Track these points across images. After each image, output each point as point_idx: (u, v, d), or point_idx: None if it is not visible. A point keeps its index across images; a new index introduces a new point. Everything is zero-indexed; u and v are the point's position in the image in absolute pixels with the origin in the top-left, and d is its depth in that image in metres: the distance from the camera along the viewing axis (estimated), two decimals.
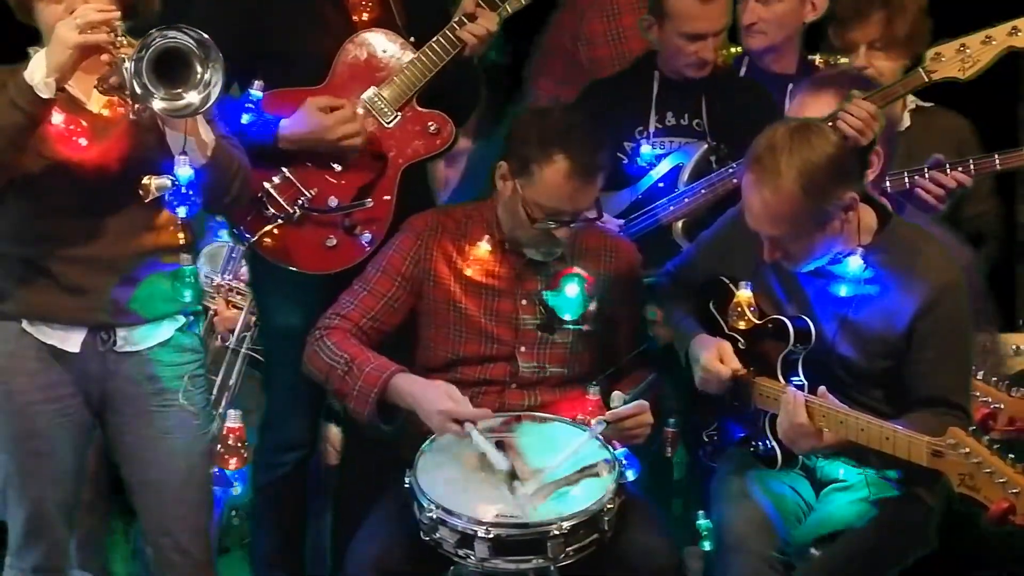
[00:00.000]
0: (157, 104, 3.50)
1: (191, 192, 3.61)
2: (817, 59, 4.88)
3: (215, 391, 4.55)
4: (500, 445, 3.92)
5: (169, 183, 3.62)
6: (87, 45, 3.50)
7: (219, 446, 3.81)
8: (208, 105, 3.55)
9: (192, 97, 3.53)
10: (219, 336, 4.67)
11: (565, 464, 3.88)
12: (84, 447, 4.00)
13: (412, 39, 4.35)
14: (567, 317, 4.12)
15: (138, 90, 3.47)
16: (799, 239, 3.75)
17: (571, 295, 4.10)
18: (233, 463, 3.82)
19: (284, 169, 4.29)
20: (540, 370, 4.18)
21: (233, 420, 3.81)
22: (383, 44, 4.35)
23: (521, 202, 4.04)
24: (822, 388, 3.73)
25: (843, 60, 4.85)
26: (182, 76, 3.52)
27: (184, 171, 3.60)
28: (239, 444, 3.81)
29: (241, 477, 4.54)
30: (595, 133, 4.00)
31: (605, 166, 4.00)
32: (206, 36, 3.54)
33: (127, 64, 3.47)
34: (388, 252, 4.21)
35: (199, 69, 3.52)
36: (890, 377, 3.86)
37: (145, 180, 3.64)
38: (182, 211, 3.64)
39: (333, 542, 4.76)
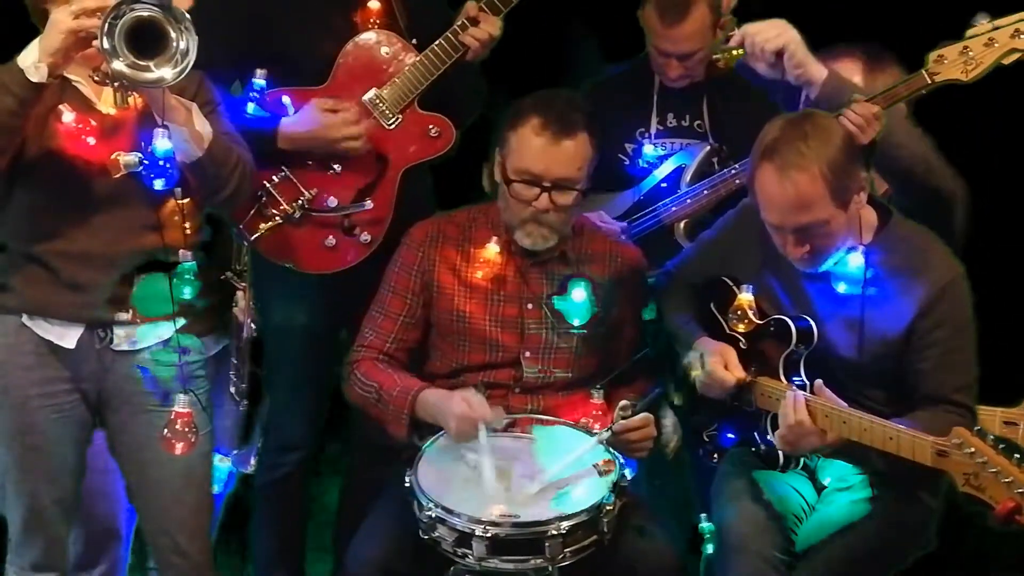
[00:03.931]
0: (117, 66, 3.46)
1: (168, 164, 3.60)
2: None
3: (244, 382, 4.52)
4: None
5: (137, 160, 3.64)
6: (80, 30, 3.49)
7: (166, 430, 3.78)
8: (180, 77, 3.51)
9: (164, 71, 3.49)
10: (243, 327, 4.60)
11: (566, 469, 3.88)
12: (82, 444, 3.98)
13: (414, 41, 4.35)
14: (575, 323, 4.12)
15: (105, 45, 3.44)
16: (827, 224, 3.72)
17: (578, 300, 4.10)
18: (179, 448, 3.79)
19: (284, 168, 4.29)
20: (545, 375, 4.18)
21: (183, 405, 3.78)
22: (385, 46, 4.34)
23: (503, 176, 4.07)
24: (819, 381, 3.73)
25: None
26: (158, 50, 3.49)
27: (161, 144, 3.59)
28: (186, 429, 3.78)
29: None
30: (571, 96, 4.06)
31: (580, 126, 3.99)
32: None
33: (102, 37, 3.45)
34: (394, 270, 4.21)
35: (173, 36, 3.49)
36: (891, 377, 3.84)
37: (113, 156, 3.67)
38: (158, 183, 3.62)
39: (334, 541, 4.76)
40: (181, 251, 3.79)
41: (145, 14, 3.46)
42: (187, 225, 3.82)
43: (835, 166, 3.68)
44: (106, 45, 3.44)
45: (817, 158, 3.67)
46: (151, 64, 3.49)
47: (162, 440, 3.82)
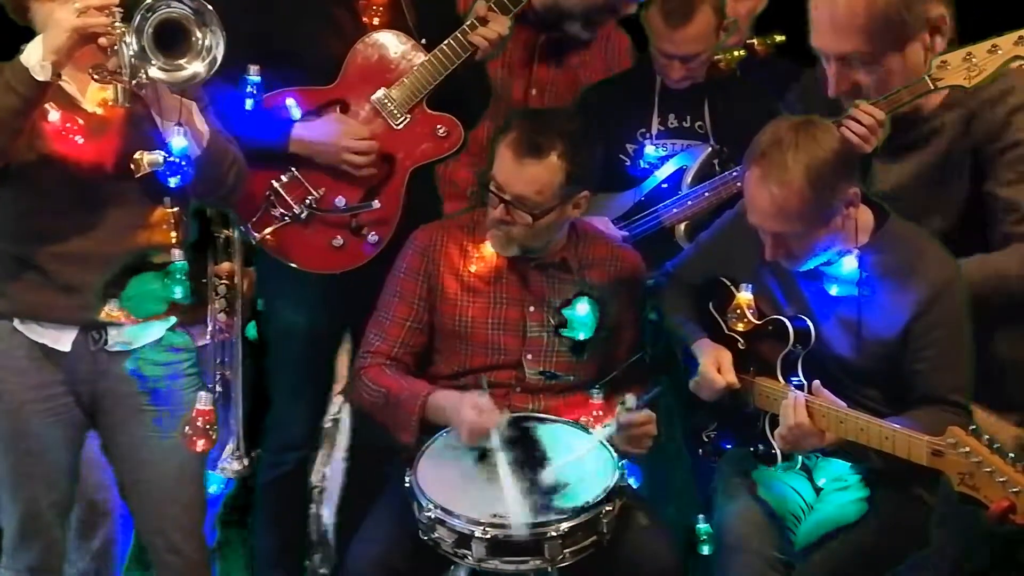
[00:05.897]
0: (154, 72, 3.49)
1: (184, 162, 3.61)
2: (755, 42, 4.95)
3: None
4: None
5: (161, 159, 3.62)
6: (85, 28, 3.48)
7: (187, 427, 3.79)
8: (213, 70, 3.54)
9: (196, 67, 3.54)
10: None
11: (568, 469, 3.89)
12: (77, 447, 3.99)
13: (423, 41, 4.35)
14: (581, 336, 4.13)
15: (135, 49, 3.46)
16: (803, 236, 3.73)
17: (582, 314, 4.11)
18: (200, 445, 3.80)
19: (293, 168, 4.30)
20: (546, 377, 4.18)
21: (204, 403, 3.79)
22: (394, 45, 4.35)
23: (486, 178, 4.10)
24: (816, 382, 3.73)
25: (779, 38, 4.91)
26: (183, 48, 3.53)
27: (178, 141, 3.61)
28: (208, 427, 3.79)
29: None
30: (559, 118, 4.09)
31: (551, 150, 3.96)
32: (203, 2, 3.54)
33: (127, 36, 3.46)
34: (399, 276, 4.22)
35: (198, 35, 3.52)
36: (888, 377, 3.83)
37: (136, 155, 3.64)
38: (174, 181, 3.62)
39: (334, 541, 4.77)
40: (173, 251, 3.80)
41: (176, 13, 3.50)
42: (176, 232, 3.83)
43: (819, 184, 3.65)
44: (135, 48, 3.47)
45: (800, 174, 3.64)
46: (183, 62, 3.53)
47: (183, 438, 3.81)
